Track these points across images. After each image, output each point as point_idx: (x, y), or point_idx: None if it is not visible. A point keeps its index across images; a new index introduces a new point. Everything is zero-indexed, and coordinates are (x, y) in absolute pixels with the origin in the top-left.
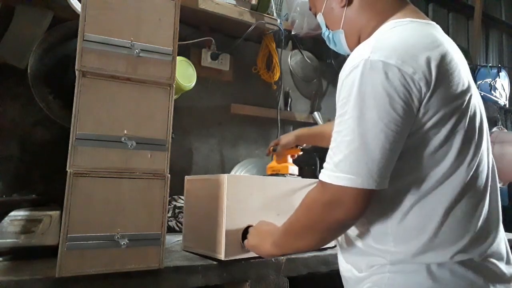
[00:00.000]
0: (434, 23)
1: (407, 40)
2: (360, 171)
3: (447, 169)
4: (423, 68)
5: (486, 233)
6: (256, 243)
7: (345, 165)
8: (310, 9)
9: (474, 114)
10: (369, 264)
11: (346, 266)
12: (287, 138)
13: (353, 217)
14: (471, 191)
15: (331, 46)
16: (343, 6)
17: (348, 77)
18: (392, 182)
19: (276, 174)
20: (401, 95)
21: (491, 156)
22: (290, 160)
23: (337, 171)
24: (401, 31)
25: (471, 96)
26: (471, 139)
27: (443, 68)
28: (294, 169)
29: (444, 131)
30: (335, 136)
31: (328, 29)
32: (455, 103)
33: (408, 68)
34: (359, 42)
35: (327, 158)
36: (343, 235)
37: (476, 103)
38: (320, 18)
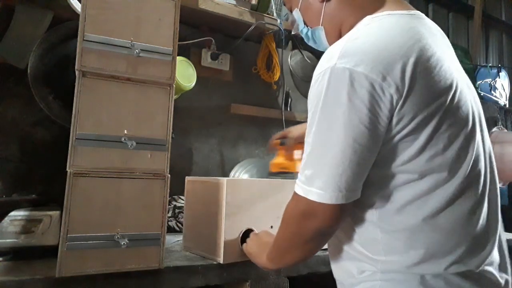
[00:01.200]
0: (418, 12)
1: (380, 40)
2: (328, 186)
3: (439, 173)
4: (394, 72)
5: (484, 241)
6: (254, 253)
7: (314, 180)
8: (284, 5)
9: (461, 112)
10: (360, 269)
11: (338, 270)
12: (299, 130)
13: (330, 226)
14: (466, 196)
15: (311, 44)
16: (322, 1)
17: (315, 86)
18: (374, 190)
19: (285, 173)
20: (369, 105)
21: (492, 156)
22: (297, 156)
23: (308, 184)
24: (375, 29)
25: (455, 92)
26: (459, 141)
27: (421, 67)
28: None
29: (424, 135)
30: (306, 147)
31: (307, 26)
32: (436, 103)
33: (377, 75)
34: (340, 38)
35: (300, 169)
36: (333, 240)
37: (466, 100)
38: (296, 14)
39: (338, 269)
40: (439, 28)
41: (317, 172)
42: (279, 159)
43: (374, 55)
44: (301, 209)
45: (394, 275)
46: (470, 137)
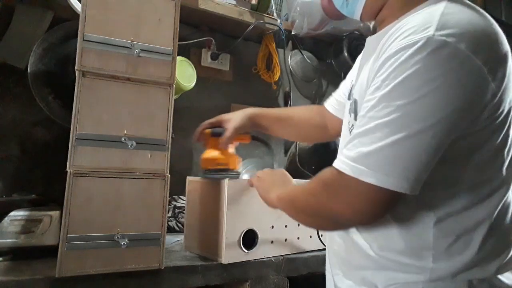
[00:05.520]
0: None
1: (477, 23)
2: (395, 170)
3: (500, 175)
4: (494, 60)
5: None
6: (265, 188)
7: (376, 159)
8: None
9: None
10: (388, 281)
11: (350, 281)
12: (238, 119)
13: (367, 219)
14: None
15: (338, 4)
16: None
17: (400, 55)
18: (440, 190)
19: (225, 170)
20: (466, 89)
21: None
22: (233, 149)
23: (363, 164)
24: (464, 10)
25: None
26: None
27: (510, 64)
28: (240, 163)
29: (500, 135)
30: (365, 121)
31: None
32: (510, 106)
33: (478, 58)
34: (376, 15)
35: (350, 145)
36: (348, 243)
37: None
38: None
39: (350, 281)
40: None
41: (381, 151)
42: (213, 153)
43: (475, 35)
44: (340, 189)
45: (440, 284)
46: None
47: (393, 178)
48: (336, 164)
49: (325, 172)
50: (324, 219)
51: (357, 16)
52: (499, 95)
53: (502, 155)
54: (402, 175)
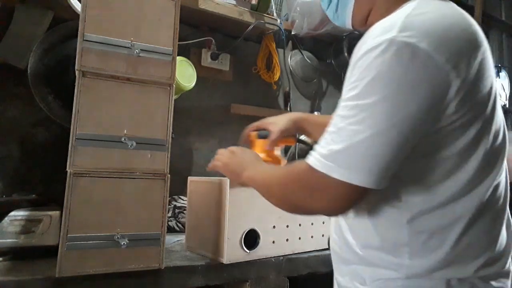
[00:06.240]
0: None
1: (441, 21)
2: (360, 166)
3: (475, 173)
4: (459, 57)
5: (510, 239)
6: (234, 166)
7: (344, 157)
8: None
9: (499, 107)
10: (374, 276)
11: (344, 277)
12: (283, 123)
13: (335, 212)
14: (497, 198)
15: (329, 12)
16: None
17: (366, 57)
18: (414, 187)
19: None
20: (428, 87)
21: None
22: (278, 152)
23: (332, 160)
24: (432, 9)
25: (495, 94)
26: (500, 135)
27: (481, 58)
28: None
29: (473, 131)
30: (337, 121)
31: None
32: (490, 95)
33: (440, 56)
34: (365, 21)
35: (322, 142)
36: (341, 240)
37: (499, 102)
38: None
39: (344, 276)
40: None
41: (348, 149)
42: (260, 155)
43: (437, 34)
44: (312, 183)
45: (418, 282)
46: (505, 132)
47: (358, 174)
48: (310, 160)
49: (299, 166)
50: (296, 207)
51: (348, 25)
52: (465, 90)
53: (478, 149)
54: (367, 171)
